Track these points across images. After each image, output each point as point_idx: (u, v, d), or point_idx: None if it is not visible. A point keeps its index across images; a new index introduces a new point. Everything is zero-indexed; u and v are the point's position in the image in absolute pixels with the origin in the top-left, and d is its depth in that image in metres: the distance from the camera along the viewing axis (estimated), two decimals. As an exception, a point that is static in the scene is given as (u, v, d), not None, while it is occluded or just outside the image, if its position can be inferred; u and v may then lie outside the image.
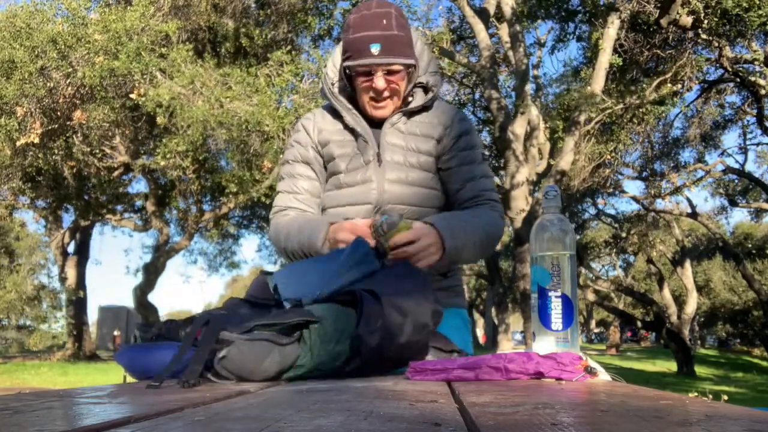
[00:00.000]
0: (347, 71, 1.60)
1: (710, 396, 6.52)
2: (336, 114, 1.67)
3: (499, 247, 18.62)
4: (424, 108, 1.66)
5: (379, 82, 1.55)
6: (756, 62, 10.96)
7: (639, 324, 21.15)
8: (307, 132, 1.70)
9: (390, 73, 1.55)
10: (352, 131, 1.65)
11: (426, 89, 1.66)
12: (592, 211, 19.39)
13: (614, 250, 21.86)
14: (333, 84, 1.67)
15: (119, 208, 16.35)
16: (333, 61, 1.70)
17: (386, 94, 1.58)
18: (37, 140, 9.37)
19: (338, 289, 1.14)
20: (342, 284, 1.16)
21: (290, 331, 1.02)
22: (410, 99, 1.66)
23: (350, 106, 1.64)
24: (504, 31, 11.98)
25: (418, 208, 1.60)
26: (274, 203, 1.72)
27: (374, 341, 1.04)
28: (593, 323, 42.61)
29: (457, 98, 14.42)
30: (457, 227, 1.49)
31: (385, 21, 1.53)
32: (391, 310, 1.09)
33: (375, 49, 1.52)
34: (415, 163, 1.62)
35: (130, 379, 1.17)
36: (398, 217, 1.42)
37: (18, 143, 9.31)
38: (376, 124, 1.64)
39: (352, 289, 1.12)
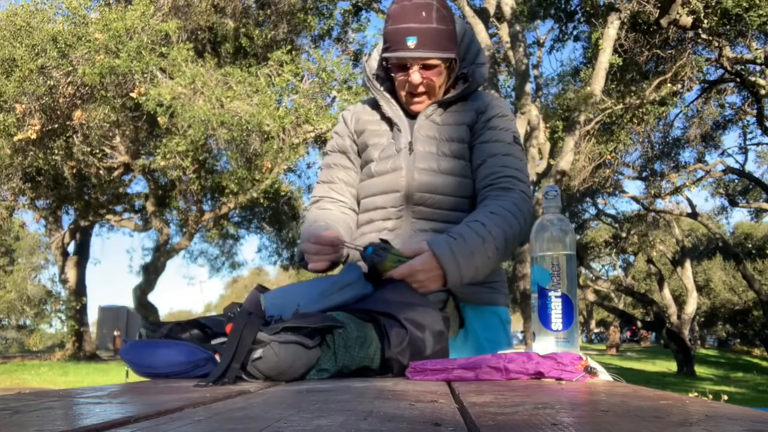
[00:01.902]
0: (384, 63, 1.57)
1: (710, 396, 6.52)
2: (376, 105, 1.65)
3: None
4: (461, 98, 1.61)
5: (415, 76, 1.51)
6: (756, 62, 10.96)
7: (639, 324, 21.15)
8: (345, 122, 1.69)
9: (426, 67, 1.51)
10: (388, 121, 1.62)
11: (467, 80, 1.61)
12: (592, 211, 19.42)
13: (614, 250, 21.87)
14: (374, 74, 1.64)
15: (119, 208, 16.34)
16: (377, 51, 1.66)
17: (421, 89, 1.54)
18: (35, 136, 9.37)
19: (322, 309, 1.16)
20: (325, 306, 1.17)
21: (313, 334, 1.03)
22: (451, 91, 1.61)
23: (389, 97, 1.61)
24: (504, 31, 11.98)
25: (451, 197, 1.55)
26: (312, 193, 1.72)
27: (405, 360, 1.08)
28: (593, 323, 42.60)
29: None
30: (462, 253, 1.35)
31: (424, 13, 1.47)
32: (411, 326, 1.12)
33: (411, 42, 1.47)
34: (447, 152, 1.56)
35: (132, 375, 1.17)
36: (385, 252, 1.33)
37: (15, 138, 9.30)
38: (414, 114, 1.61)
39: (366, 309, 1.15)
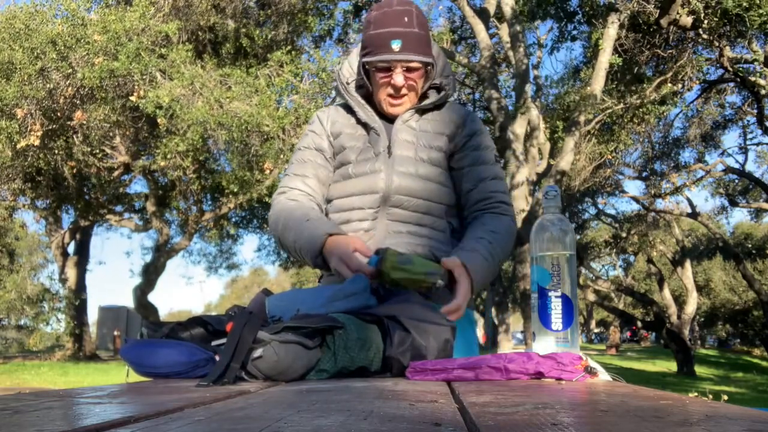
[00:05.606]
0: (366, 67, 1.61)
1: (710, 396, 6.52)
2: (350, 110, 1.69)
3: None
4: (437, 107, 1.67)
5: (398, 78, 1.56)
6: (756, 62, 10.95)
7: (639, 324, 21.14)
8: (321, 122, 1.72)
9: (409, 70, 1.57)
10: (364, 126, 1.66)
11: (439, 90, 1.68)
12: (592, 211, 19.42)
13: (614, 250, 21.86)
14: (348, 82, 1.68)
15: (119, 208, 16.35)
16: (349, 61, 1.72)
17: (404, 91, 1.59)
18: (37, 142, 9.36)
19: (323, 315, 1.16)
20: (328, 311, 1.17)
21: (313, 334, 1.03)
22: (424, 99, 1.67)
23: (363, 102, 1.65)
24: (504, 31, 11.98)
25: (427, 202, 1.60)
26: (280, 184, 1.71)
27: (406, 361, 1.09)
28: (593, 323, 42.58)
29: (457, 98, 14.42)
30: (480, 264, 1.48)
31: (406, 18, 1.54)
32: (416, 331, 1.13)
33: (396, 45, 1.53)
34: (425, 158, 1.61)
35: (132, 375, 1.17)
36: (407, 255, 1.40)
37: (19, 145, 9.30)
38: (389, 120, 1.65)
39: (372, 312, 1.16)
